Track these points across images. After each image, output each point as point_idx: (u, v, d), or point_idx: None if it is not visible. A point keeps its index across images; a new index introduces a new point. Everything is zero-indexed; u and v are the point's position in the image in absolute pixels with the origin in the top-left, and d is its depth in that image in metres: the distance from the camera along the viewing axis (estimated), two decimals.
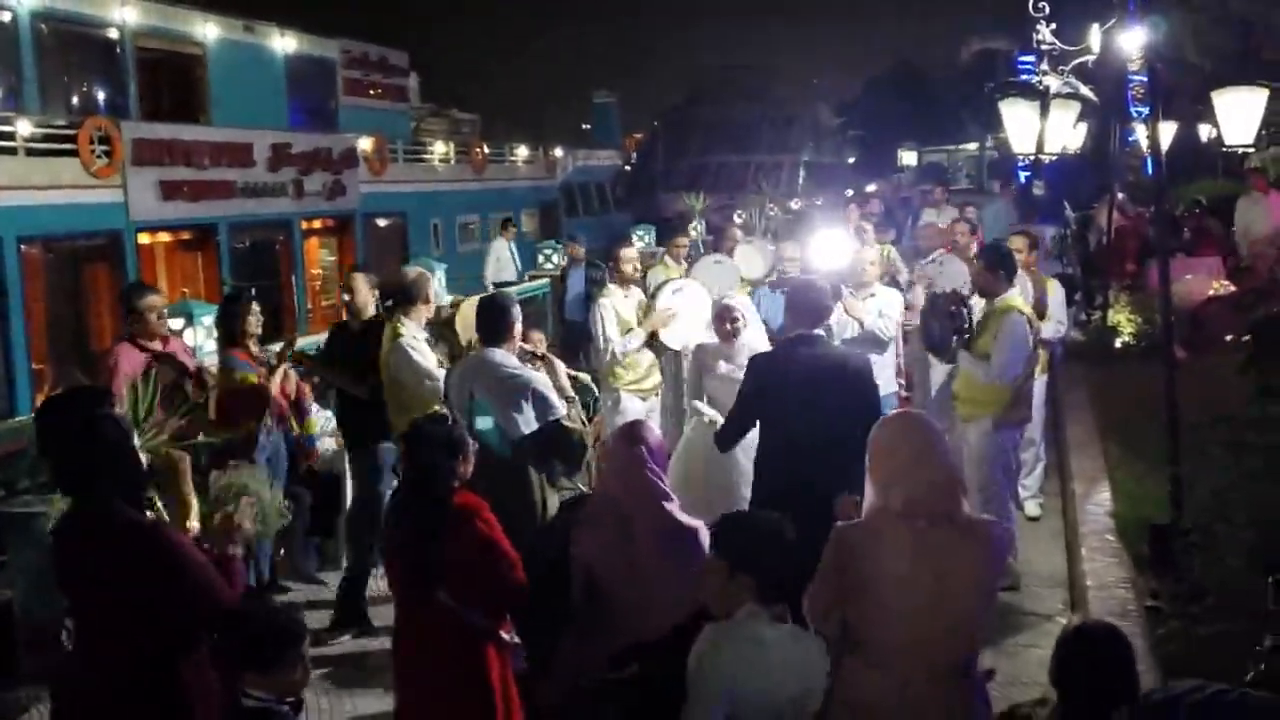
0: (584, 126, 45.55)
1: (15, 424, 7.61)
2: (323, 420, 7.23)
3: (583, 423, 6.30)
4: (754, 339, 6.32)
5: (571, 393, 5.58)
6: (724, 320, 6.22)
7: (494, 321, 5.16)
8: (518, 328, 5.23)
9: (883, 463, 3.21)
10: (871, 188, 33.27)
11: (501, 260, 16.41)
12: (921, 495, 3.10)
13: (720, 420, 5.38)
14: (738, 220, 17.18)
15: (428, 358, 5.92)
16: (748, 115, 47.59)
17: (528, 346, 5.78)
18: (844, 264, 7.70)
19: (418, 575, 3.78)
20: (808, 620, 3.20)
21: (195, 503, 3.62)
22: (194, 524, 3.64)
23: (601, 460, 4.02)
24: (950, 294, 6.57)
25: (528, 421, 4.96)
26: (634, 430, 3.91)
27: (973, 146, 41.52)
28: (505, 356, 5.10)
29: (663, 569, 3.58)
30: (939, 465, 3.19)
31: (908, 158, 46.56)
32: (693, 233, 14.05)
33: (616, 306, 7.23)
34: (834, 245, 8.06)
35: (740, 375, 5.29)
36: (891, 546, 3.07)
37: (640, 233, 16.96)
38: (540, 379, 5.15)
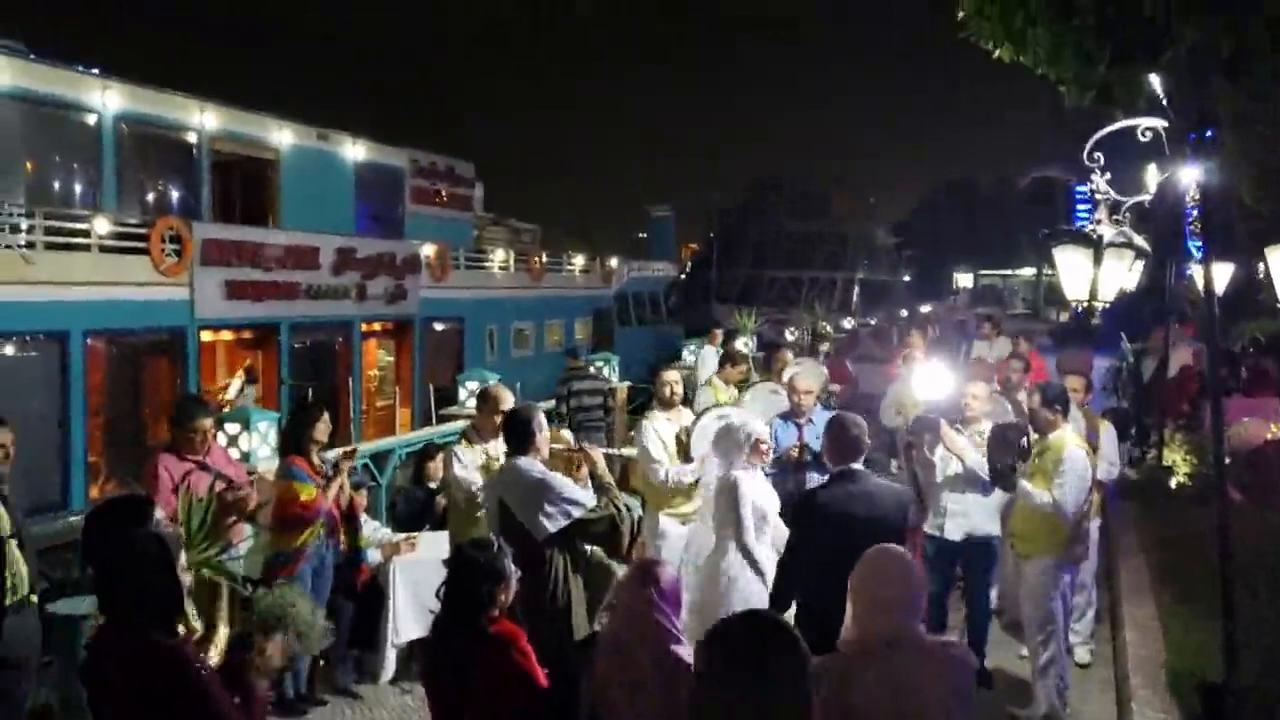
0: (639, 236, 46.29)
1: (70, 520, 7.74)
2: (370, 531, 7.27)
3: (626, 507, 6.34)
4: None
5: (609, 479, 5.59)
6: (757, 445, 5.95)
7: (519, 432, 5.31)
8: (541, 437, 5.33)
9: (857, 595, 3.43)
10: (926, 308, 33.32)
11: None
12: (884, 622, 3.32)
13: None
14: (790, 336, 17.20)
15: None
16: (803, 230, 48.11)
17: (559, 447, 5.83)
18: (947, 396, 7.46)
19: (449, 701, 3.79)
20: None
21: (224, 630, 3.64)
22: (217, 650, 3.65)
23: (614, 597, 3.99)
24: (1017, 425, 6.52)
25: (554, 521, 5.02)
26: (646, 571, 3.86)
27: (1029, 271, 41.47)
28: (530, 463, 5.19)
29: (668, 710, 3.56)
30: (903, 594, 3.39)
31: (963, 279, 46.61)
32: (743, 349, 14.10)
33: (658, 430, 7.24)
34: (937, 376, 7.78)
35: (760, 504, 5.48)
36: (858, 672, 3.28)
37: (692, 346, 17.03)
38: (560, 480, 5.21)
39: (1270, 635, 6.44)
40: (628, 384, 15.32)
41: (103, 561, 3.39)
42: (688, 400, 8.28)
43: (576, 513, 5.08)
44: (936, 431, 6.70)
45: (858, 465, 5.11)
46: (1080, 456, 6.13)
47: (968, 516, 6.61)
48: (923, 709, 3.23)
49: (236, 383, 15.20)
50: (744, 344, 13.64)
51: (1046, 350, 14.54)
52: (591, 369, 13.59)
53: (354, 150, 18.74)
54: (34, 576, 5.62)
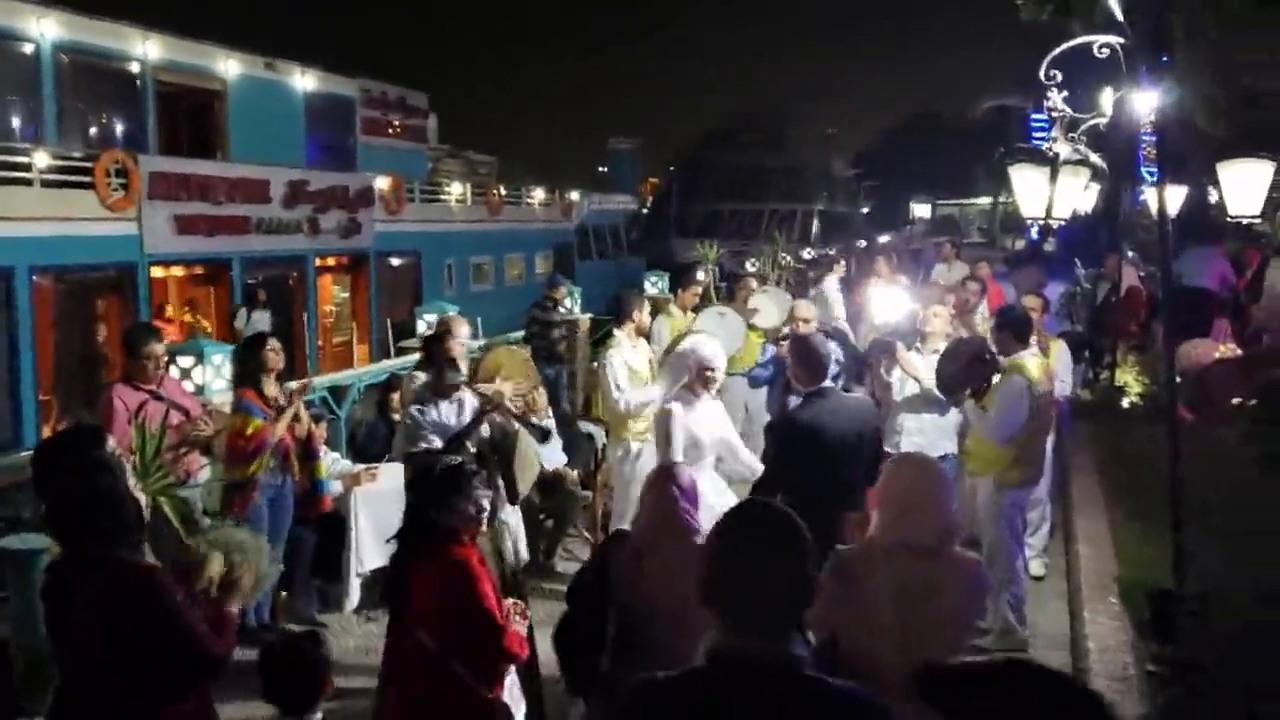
0: (600, 170, 45.90)
1: (20, 458, 7.60)
2: (330, 462, 7.24)
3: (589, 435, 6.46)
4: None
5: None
6: (702, 371, 5.89)
7: None
8: None
9: (887, 497, 3.58)
10: (884, 239, 33.45)
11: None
12: (914, 531, 3.44)
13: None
14: (751, 268, 17.26)
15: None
16: (762, 163, 47.94)
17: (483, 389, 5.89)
18: (903, 318, 7.52)
19: (406, 619, 3.85)
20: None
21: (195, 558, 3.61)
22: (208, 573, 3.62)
23: (641, 499, 4.17)
24: (973, 339, 6.56)
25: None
26: (667, 473, 4.12)
27: (985, 200, 41.69)
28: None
29: (695, 599, 3.66)
30: (935, 507, 3.51)
31: (920, 209, 46.77)
32: (703, 278, 14.09)
33: (626, 359, 7.22)
34: (893, 299, 7.83)
35: (701, 431, 5.58)
36: (881, 574, 3.39)
37: (653, 279, 17.00)
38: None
39: (1217, 547, 6.63)
40: (590, 316, 15.27)
41: (56, 491, 3.34)
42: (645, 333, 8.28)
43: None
44: (893, 354, 6.75)
45: (827, 383, 5.21)
46: (1017, 384, 6.13)
47: (924, 434, 6.70)
48: (938, 616, 3.36)
49: (243, 313, 14.95)
50: (703, 275, 13.59)
51: (1001, 277, 14.63)
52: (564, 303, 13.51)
53: (303, 80, 18.30)
54: None
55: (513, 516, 5.94)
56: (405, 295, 19.64)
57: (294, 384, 6.99)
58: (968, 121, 52.00)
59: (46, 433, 11.81)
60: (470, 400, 5.87)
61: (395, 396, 8.25)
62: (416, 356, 9.13)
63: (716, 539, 2.37)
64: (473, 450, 5.48)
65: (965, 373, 6.24)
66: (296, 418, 6.55)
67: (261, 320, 14.73)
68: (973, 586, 3.52)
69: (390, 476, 7.04)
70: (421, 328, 12.86)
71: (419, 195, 21.01)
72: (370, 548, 6.86)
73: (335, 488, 7.17)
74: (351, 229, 18.13)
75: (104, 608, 3.17)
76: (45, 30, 13.36)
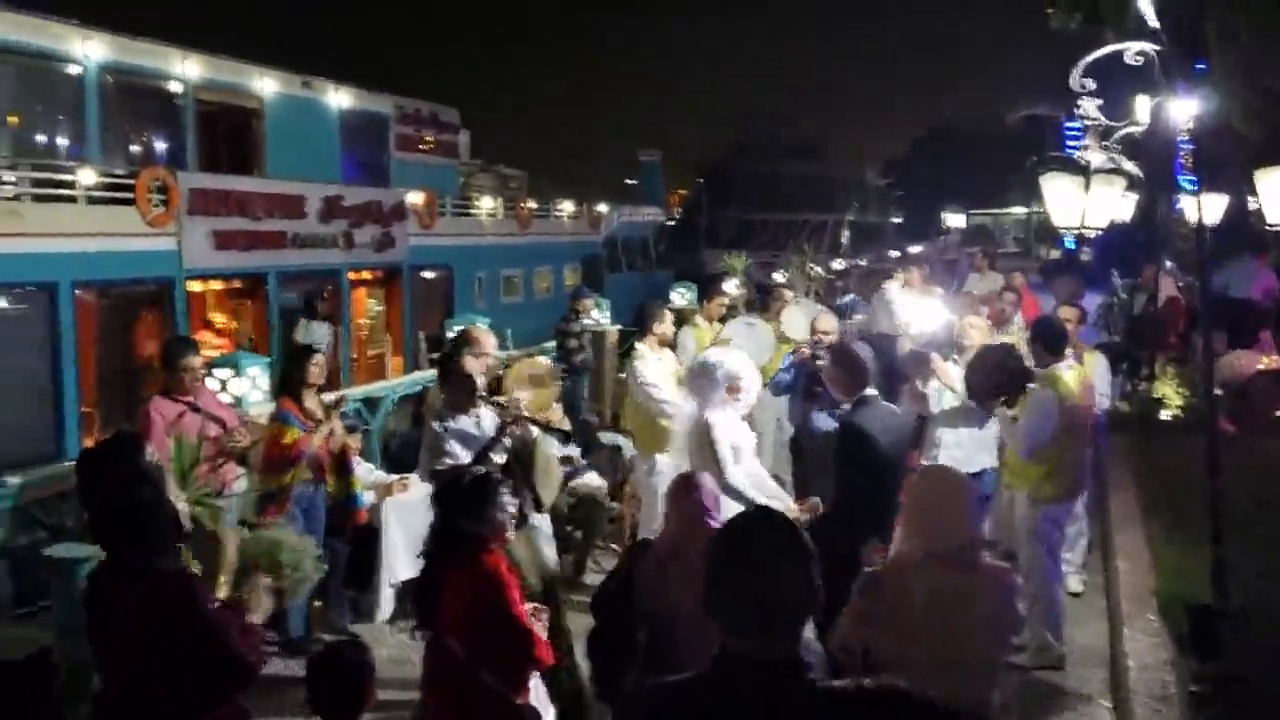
0: (628, 182, 46.01)
1: (63, 468, 7.73)
2: (364, 472, 7.30)
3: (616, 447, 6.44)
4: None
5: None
6: (732, 384, 5.93)
7: None
8: None
9: (913, 511, 3.59)
10: (916, 249, 33.22)
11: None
12: (942, 542, 3.44)
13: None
14: (779, 279, 17.22)
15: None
16: (792, 173, 47.84)
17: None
18: (938, 328, 7.45)
19: (439, 629, 3.86)
20: (833, 651, 3.48)
21: (225, 575, 3.66)
22: (225, 583, 3.67)
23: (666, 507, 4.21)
24: (997, 346, 6.50)
25: None
26: (690, 481, 4.16)
27: (1020, 210, 41.28)
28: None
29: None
30: (962, 516, 3.52)
31: (953, 219, 46.41)
32: (733, 291, 14.09)
33: (650, 370, 7.23)
34: (928, 309, 7.76)
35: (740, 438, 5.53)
36: (911, 585, 3.39)
37: (681, 290, 17.01)
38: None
39: (1259, 559, 6.53)
40: (618, 328, 15.31)
41: (99, 496, 3.41)
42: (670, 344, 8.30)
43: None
44: (927, 364, 6.71)
45: (870, 391, 5.21)
46: (1047, 396, 6.06)
47: (961, 447, 6.64)
48: (972, 623, 3.35)
49: (304, 324, 15.18)
50: (734, 286, 13.59)
51: (1037, 287, 14.50)
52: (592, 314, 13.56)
53: (338, 97, 18.50)
54: (9, 528, 5.62)
55: (544, 523, 5.97)
56: (437, 308, 19.77)
57: (330, 396, 7.07)
58: (1001, 130, 51.65)
59: (88, 444, 11.98)
60: (488, 413, 5.91)
61: (427, 409, 8.33)
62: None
63: (716, 545, 2.38)
64: (499, 461, 5.52)
65: (990, 379, 6.18)
66: (333, 432, 6.64)
67: (321, 332, 14.96)
68: (1004, 596, 3.50)
69: (421, 486, 7.09)
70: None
71: (451, 209, 21.16)
72: (402, 558, 6.90)
73: (369, 498, 7.24)
74: (385, 243, 18.29)
75: (142, 616, 3.22)
76: (91, 52, 13.60)
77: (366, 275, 18.69)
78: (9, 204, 11.56)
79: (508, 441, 5.77)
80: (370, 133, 19.72)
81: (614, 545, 8.22)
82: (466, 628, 3.74)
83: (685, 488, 4.12)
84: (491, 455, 5.58)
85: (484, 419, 5.88)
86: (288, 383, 6.65)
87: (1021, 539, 6.28)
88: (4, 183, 11.65)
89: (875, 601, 3.47)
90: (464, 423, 5.80)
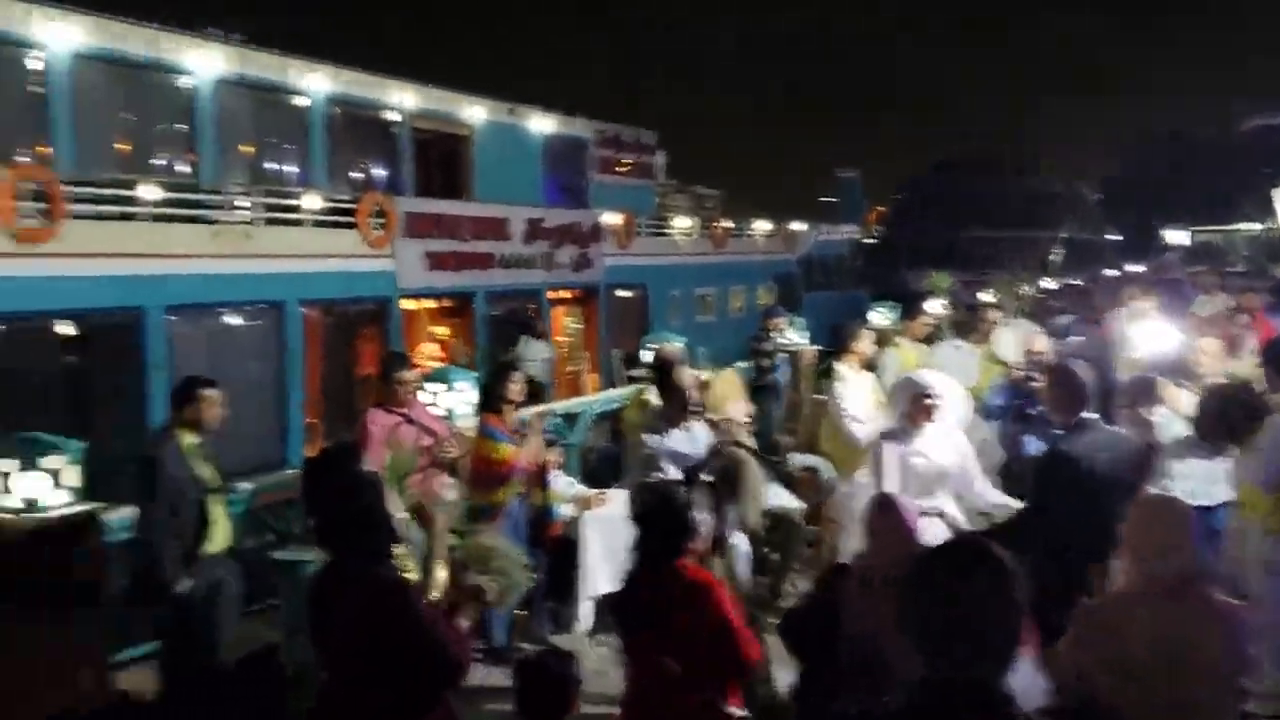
0: (825, 200, 45.51)
1: (289, 476, 8.28)
2: (564, 486, 7.47)
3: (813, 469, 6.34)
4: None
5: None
6: (919, 400, 5.72)
7: None
8: None
9: (1133, 542, 3.41)
10: (1135, 268, 31.39)
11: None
12: (1165, 577, 3.27)
13: None
14: (987, 298, 16.63)
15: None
16: (999, 188, 46.13)
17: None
18: (1170, 350, 7.05)
19: (645, 643, 3.86)
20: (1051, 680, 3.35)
21: (441, 574, 3.80)
22: (438, 588, 3.81)
23: (866, 529, 4.12)
24: (1230, 384, 6.06)
25: None
26: (891, 502, 4.10)
27: (1254, 227, 38.26)
28: None
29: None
30: (1185, 549, 3.34)
31: (1176, 236, 43.44)
32: (938, 311, 13.68)
33: (850, 392, 7.11)
34: (1156, 332, 7.35)
35: (924, 463, 5.30)
36: (1133, 622, 3.23)
37: (881, 309, 16.67)
38: None
39: None
40: (815, 348, 15.13)
41: (322, 503, 3.61)
42: (870, 365, 8.14)
43: None
44: (1151, 390, 6.30)
45: (1089, 415, 4.97)
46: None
47: (1192, 479, 6.19)
48: (1198, 663, 3.17)
49: (524, 341, 15.92)
50: (939, 306, 13.20)
51: (1271, 310, 13.39)
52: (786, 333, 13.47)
53: (542, 123, 19.15)
54: (239, 531, 6.01)
55: (743, 544, 5.94)
56: (633, 326, 20.07)
57: (536, 410, 7.29)
58: (1231, 140, 48.31)
59: (311, 453, 12.77)
60: (701, 429, 5.93)
61: (625, 420, 8.47)
62: (639, 387, 9.30)
63: (913, 571, 2.31)
64: (707, 479, 5.52)
65: (1222, 419, 5.74)
66: (535, 444, 6.82)
67: (540, 349, 15.56)
68: (1235, 636, 3.28)
69: (620, 501, 7.20)
70: (647, 357, 13.13)
71: (646, 229, 21.47)
72: (600, 571, 7.01)
73: (566, 511, 7.40)
74: (583, 263, 18.74)
75: (361, 620, 3.38)
76: (317, 85, 14.59)
77: (565, 294, 19.18)
78: (243, 227, 12.48)
79: (717, 460, 5.77)
80: (571, 156, 20.30)
81: (811, 569, 8.09)
82: (674, 637, 3.74)
83: (884, 508, 4.03)
84: (701, 474, 5.58)
85: (696, 433, 5.92)
86: (491, 399, 6.87)
87: (1256, 574, 5.79)
88: (239, 207, 12.58)
89: (1093, 635, 3.29)
90: (676, 437, 5.85)
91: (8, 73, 11.22)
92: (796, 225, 29.06)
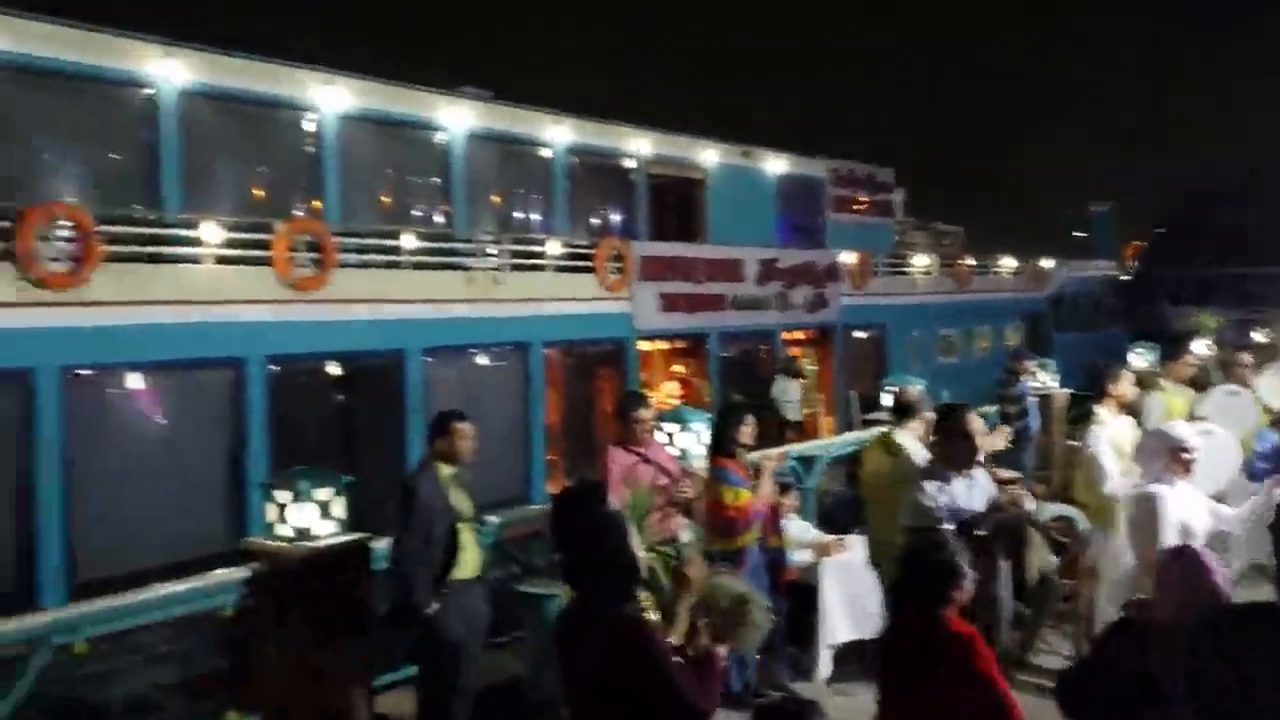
0: (1077, 235, 43.18)
1: (532, 511, 8.54)
2: (800, 531, 7.34)
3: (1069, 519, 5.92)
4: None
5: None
6: (1176, 454, 5.34)
7: None
8: None
9: None
10: None
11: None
12: None
13: None
14: (1260, 338, 15.28)
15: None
16: (1271, 221, 42.40)
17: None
18: None
19: (907, 700, 3.71)
20: None
21: (684, 617, 3.77)
22: (677, 635, 3.78)
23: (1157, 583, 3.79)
24: None
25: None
26: (1193, 557, 3.74)
27: None
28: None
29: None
30: None
31: None
32: (1203, 352, 12.66)
33: (1111, 436, 6.65)
34: None
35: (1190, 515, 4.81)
36: None
37: (1140, 350, 15.59)
38: None
39: None
40: (1068, 391, 14.32)
41: (569, 539, 3.66)
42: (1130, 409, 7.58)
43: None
44: None
45: None
46: None
47: None
48: None
49: (780, 381, 16.14)
50: (1204, 347, 12.18)
51: None
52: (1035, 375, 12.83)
53: (775, 164, 19.19)
54: (487, 560, 6.22)
55: (1009, 601, 5.65)
56: (870, 368, 19.66)
57: (771, 453, 7.20)
58: None
59: (552, 489, 13.20)
60: (984, 479, 5.66)
61: (864, 463, 8.24)
62: (880, 430, 9.06)
63: (1199, 634, 2.08)
64: (982, 533, 5.26)
65: None
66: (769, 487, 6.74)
67: (793, 389, 15.59)
68: None
69: (860, 548, 7.00)
70: (886, 400, 12.78)
71: (884, 268, 21.06)
72: (840, 619, 6.83)
73: (803, 557, 7.25)
74: (818, 303, 18.57)
75: (604, 659, 3.40)
76: (560, 136, 15.23)
77: (800, 335, 19.04)
78: (493, 274, 13.12)
79: (997, 517, 5.48)
80: (805, 196, 20.22)
81: (1065, 626, 7.58)
82: (934, 689, 3.58)
83: (1187, 557, 3.70)
84: (977, 528, 5.31)
85: (979, 484, 5.66)
86: (722, 442, 6.83)
87: None
88: (488, 254, 13.25)
89: None
90: (957, 486, 5.59)
91: (287, 135, 12.31)
92: (1045, 262, 27.75)
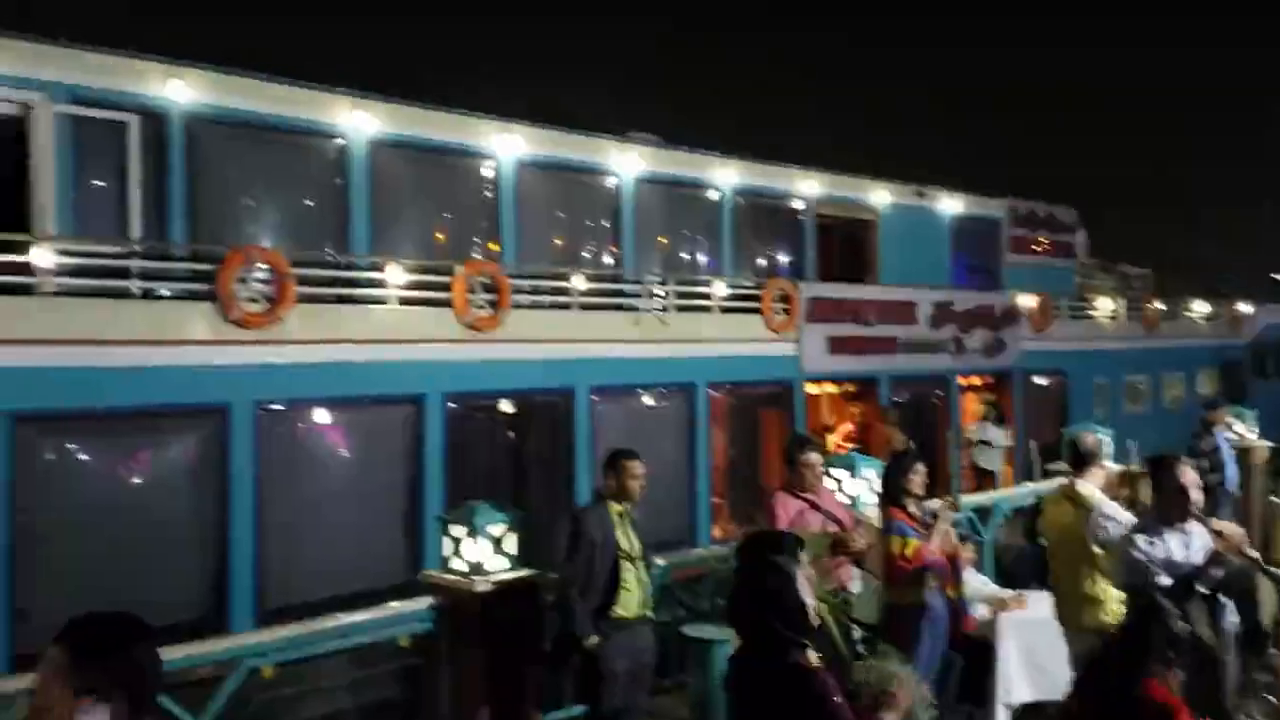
0: (1276, 276, 40.40)
1: (699, 553, 8.52)
2: (979, 585, 7.05)
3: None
4: None
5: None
6: None
7: None
8: None
9: None
10: None
11: None
12: None
13: None
14: None
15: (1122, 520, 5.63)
16: None
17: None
18: None
19: None
20: None
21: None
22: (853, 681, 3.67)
23: None
24: None
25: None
26: None
27: None
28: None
29: None
30: None
31: None
32: None
33: None
34: None
35: None
36: None
37: None
38: None
39: None
40: (1268, 444, 13.33)
41: (739, 588, 3.61)
42: None
43: None
44: None
45: None
46: None
47: None
48: None
49: (976, 425, 15.85)
50: None
51: None
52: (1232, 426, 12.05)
53: (950, 204, 18.72)
54: (653, 599, 6.20)
55: (1233, 662, 5.25)
56: (1051, 415, 18.83)
57: (940, 502, 6.95)
58: None
59: (715, 533, 13.12)
60: (1200, 533, 5.31)
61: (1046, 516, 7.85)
62: (1061, 480, 8.65)
63: None
64: (1205, 591, 4.93)
65: None
66: (945, 535, 6.49)
67: (996, 434, 15.19)
68: None
69: (1042, 604, 6.65)
70: (1065, 450, 12.18)
71: (1066, 312, 20.20)
72: (1019, 678, 6.52)
73: (981, 612, 6.95)
74: (995, 347, 17.92)
75: (774, 706, 3.31)
76: (727, 178, 15.29)
77: (975, 380, 18.42)
78: (660, 314, 13.23)
79: (1218, 570, 5.12)
80: (982, 236, 19.62)
81: (1269, 696, 6.99)
82: None
83: None
84: (1197, 584, 4.99)
85: (1194, 535, 5.32)
86: (892, 491, 6.65)
87: None
88: (655, 295, 13.38)
89: None
90: (1171, 540, 5.27)
91: (467, 180, 12.78)
92: (1243, 306, 26.06)
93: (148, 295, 9.50)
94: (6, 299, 8.42)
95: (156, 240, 10.02)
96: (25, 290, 8.59)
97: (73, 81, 9.46)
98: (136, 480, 9.33)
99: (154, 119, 9.97)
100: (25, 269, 8.58)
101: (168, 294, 9.63)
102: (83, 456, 9.10)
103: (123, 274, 9.40)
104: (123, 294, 9.29)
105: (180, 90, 10.01)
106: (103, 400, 8.75)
